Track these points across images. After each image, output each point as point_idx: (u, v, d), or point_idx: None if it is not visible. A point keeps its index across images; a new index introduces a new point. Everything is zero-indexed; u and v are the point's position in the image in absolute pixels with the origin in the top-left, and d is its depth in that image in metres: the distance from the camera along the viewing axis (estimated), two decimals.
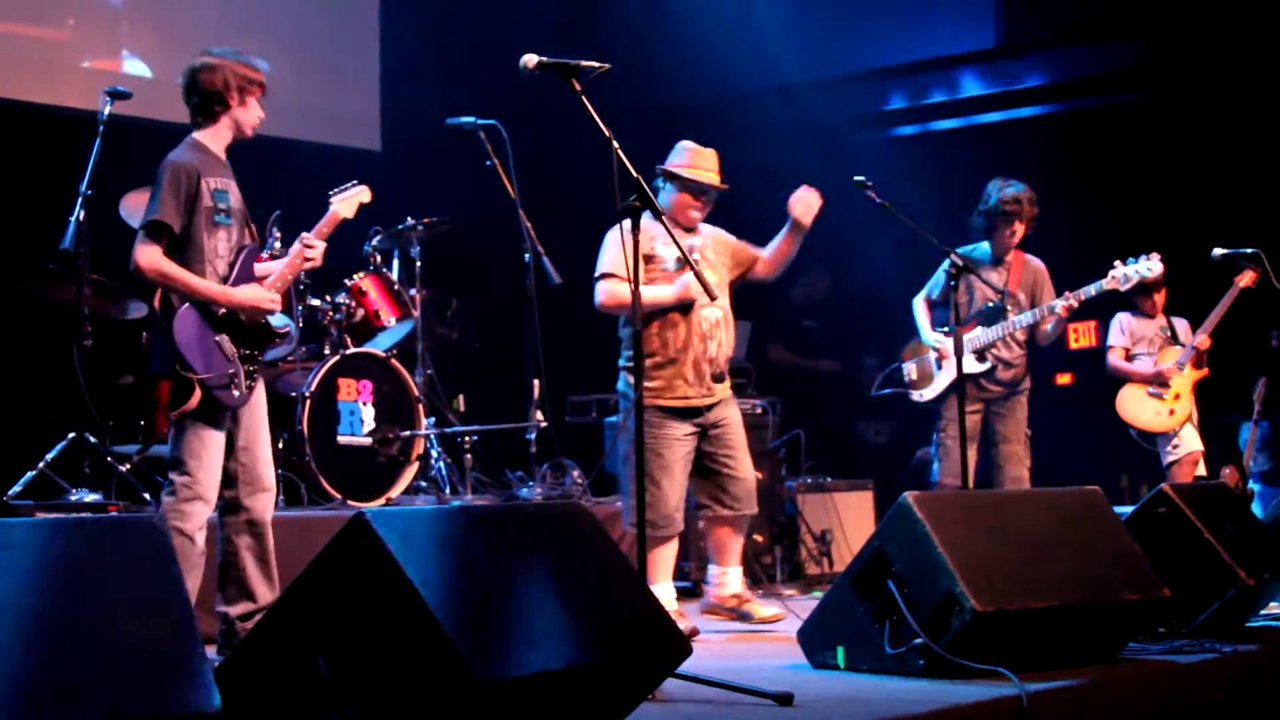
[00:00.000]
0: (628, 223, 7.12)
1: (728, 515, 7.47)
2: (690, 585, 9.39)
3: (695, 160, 7.54)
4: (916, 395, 8.83)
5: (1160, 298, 9.57)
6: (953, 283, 7.94)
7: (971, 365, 8.48)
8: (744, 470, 7.47)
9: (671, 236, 6.35)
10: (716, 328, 7.43)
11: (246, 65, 6.23)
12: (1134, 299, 9.53)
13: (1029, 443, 8.66)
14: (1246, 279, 9.17)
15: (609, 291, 7.36)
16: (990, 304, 8.60)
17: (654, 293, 7.26)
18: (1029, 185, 8.71)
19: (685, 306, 7.34)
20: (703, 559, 9.25)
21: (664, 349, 7.32)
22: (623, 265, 7.14)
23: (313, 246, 6.44)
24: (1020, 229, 8.67)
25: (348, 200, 6.69)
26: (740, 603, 7.46)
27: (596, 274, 7.40)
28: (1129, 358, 9.61)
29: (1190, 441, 9.42)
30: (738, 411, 7.58)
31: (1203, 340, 9.32)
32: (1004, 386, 8.60)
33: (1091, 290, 8.38)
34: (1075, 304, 8.36)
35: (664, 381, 7.31)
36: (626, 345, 7.47)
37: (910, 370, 8.89)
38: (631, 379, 7.29)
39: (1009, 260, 8.75)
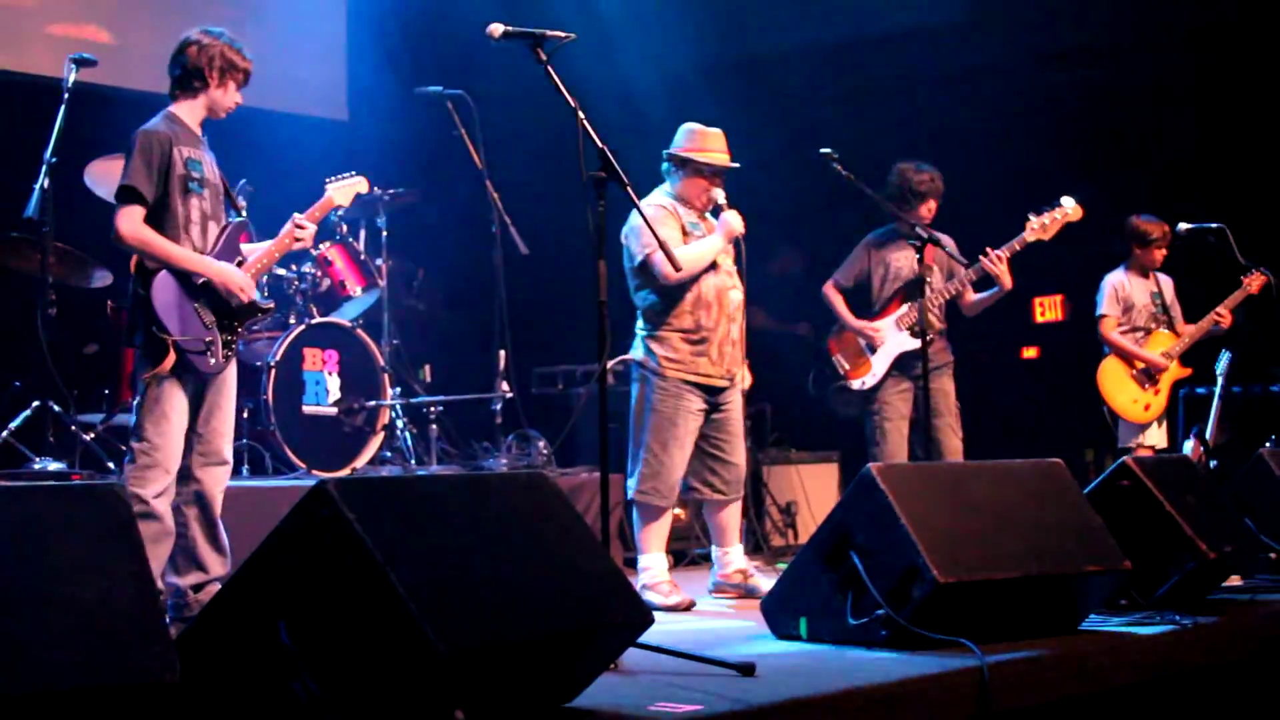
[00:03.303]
0: (651, 206, 7.33)
1: (717, 499, 7.56)
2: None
3: (704, 142, 7.48)
4: (857, 384, 8.73)
5: (1158, 255, 9.35)
6: (919, 256, 7.95)
7: (907, 342, 8.54)
8: (736, 456, 7.56)
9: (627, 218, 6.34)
10: (739, 310, 7.52)
11: (236, 51, 6.31)
12: (1128, 254, 9.40)
13: (959, 415, 8.66)
14: (1255, 284, 9.15)
15: (666, 260, 6.94)
16: (913, 278, 8.57)
17: (702, 245, 7.33)
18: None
19: (716, 288, 7.39)
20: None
21: (696, 329, 7.37)
22: (669, 237, 7.21)
23: (304, 227, 6.51)
24: (934, 207, 8.67)
25: (343, 189, 6.81)
26: (745, 578, 7.55)
27: (641, 258, 7.31)
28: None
29: (1155, 437, 9.32)
30: (741, 398, 7.64)
31: (1195, 330, 9.24)
32: (932, 360, 8.53)
33: (1015, 244, 8.39)
34: (1003, 256, 8.35)
35: (690, 356, 7.37)
36: (647, 316, 7.46)
37: (841, 361, 8.84)
38: (653, 346, 7.40)
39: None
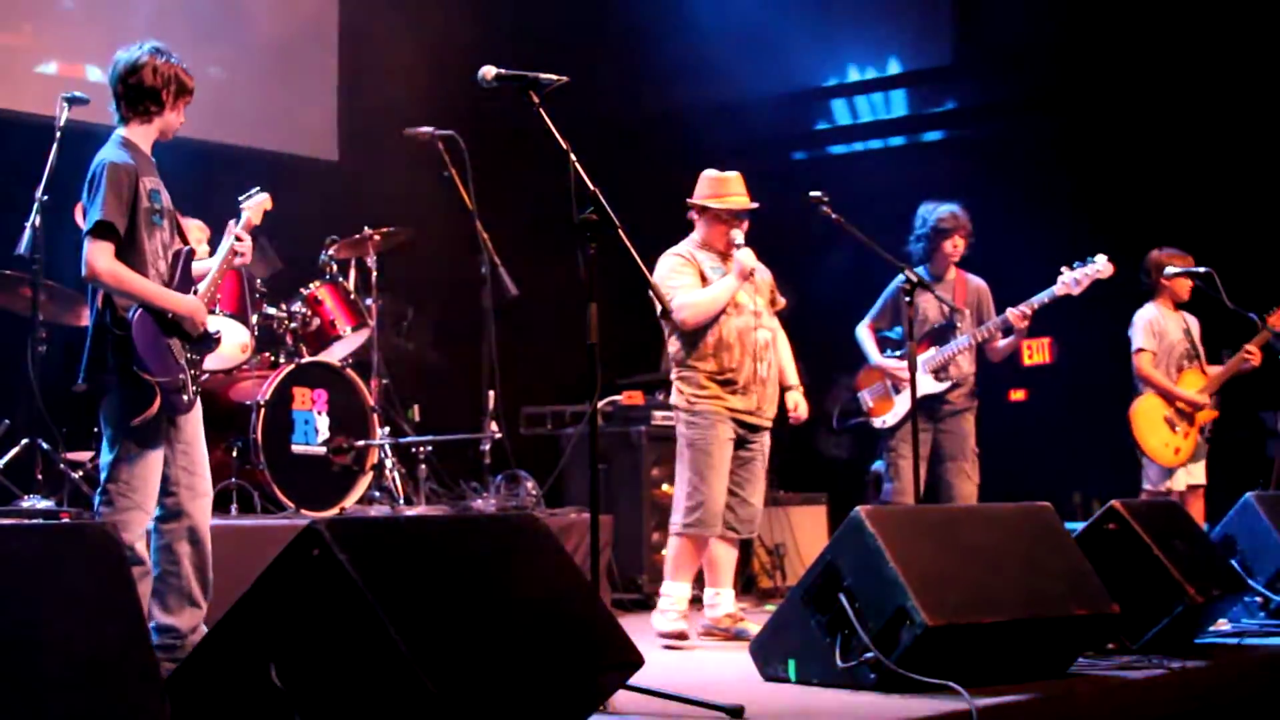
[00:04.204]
0: (670, 256, 7.58)
1: (730, 536, 7.62)
2: (643, 599, 9.41)
3: (722, 188, 7.65)
4: (879, 422, 8.82)
5: (1185, 287, 9.27)
6: (907, 298, 7.97)
7: (930, 385, 8.56)
8: (755, 498, 7.65)
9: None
10: (766, 349, 7.62)
11: (185, 72, 6.12)
12: (1154, 289, 9.32)
13: (977, 460, 8.68)
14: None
15: (687, 306, 7.43)
16: (941, 322, 8.64)
17: (717, 287, 7.48)
18: (964, 204, 8.82)
19: (738, 329, 7.50)
20: (656, 572, 9.30)
21: (720, 372, 7.50)
22: (685, 284, 7.47)
23: (242, 239, 6.34)
24: (960, 244, 8.73)
25: (254, 207, 6.54)
26: (734, 622, 7.59)
27: (660, 308, 7.40)
28: None
29: (1183, 481, 9.15)
30: (769, 442, 7.72)
31: (1224, 370, 9.16)
32: (953, 404, 8.63)
33: (1045, 298, 8.41)
34: (1028, 312, 8.39)
35: (717, 393, 7.48)
36: (675, 361, 7.63)
37: (867, 398, 8.90)
38: (681, 386, 7.54)
39: (951, 280, 8.80)
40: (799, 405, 7.83)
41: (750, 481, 7.61)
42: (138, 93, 6.06)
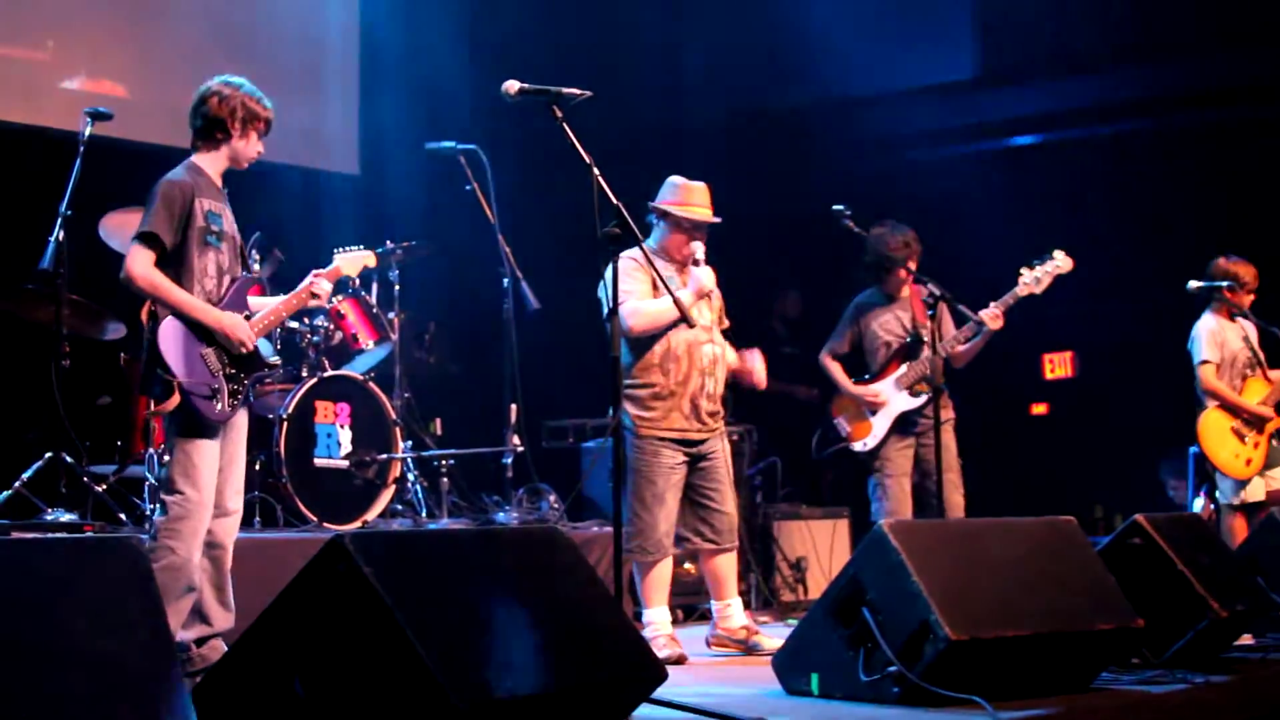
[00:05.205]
0: (624, 259, 7.21)
1: (708, 549, 7.52)
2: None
3: (687, 196, 7.52)
4: (859, 445, 8.82)
5: (1247, 297, 9.23)
6: (931, 312, 7.97)
7: (906, 401, 8.61)
8: (727, 505, 7.53)
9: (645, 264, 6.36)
10: (715, 364, 7.49)
11: (257, 101, 6.26)
12: (1214, 299, 9.28)
13: (961, 471, 8.66)
14: None
15: (635, 311, 7.28)
16: (906, 339, 8.66)
17: (667, 301, 7.18)
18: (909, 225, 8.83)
19: (687, 342, 7.38)
20: (679, 586, 9.28)
21: (665, 381, 7.38)
22: (636, 289, 7.31)
23: (317, 283, 6.51)
24: (914, 268, 8.70)
25: (352, 260, 6.77)
26: (749, 635, 7.51)
27: (613, 305, 7.32)
28: None
29: (1256, 490, 9.16)
30: (726, 446, 7.63)
31: None
32: (931, 418, 8.55)
33: (1009, 300, 8.39)
34: (1000, 312, 8.36)
35: (661, 412, 7.39)
36: (625, 372, 7.44)
37: (844, 424, 8.91)
38: (628, 406, 7.40)
39: (906, 298, 8.79)
40: (756, 367, 7.70)
41: (718, 490, 7.50)
42: (206, 122, 6.26)
